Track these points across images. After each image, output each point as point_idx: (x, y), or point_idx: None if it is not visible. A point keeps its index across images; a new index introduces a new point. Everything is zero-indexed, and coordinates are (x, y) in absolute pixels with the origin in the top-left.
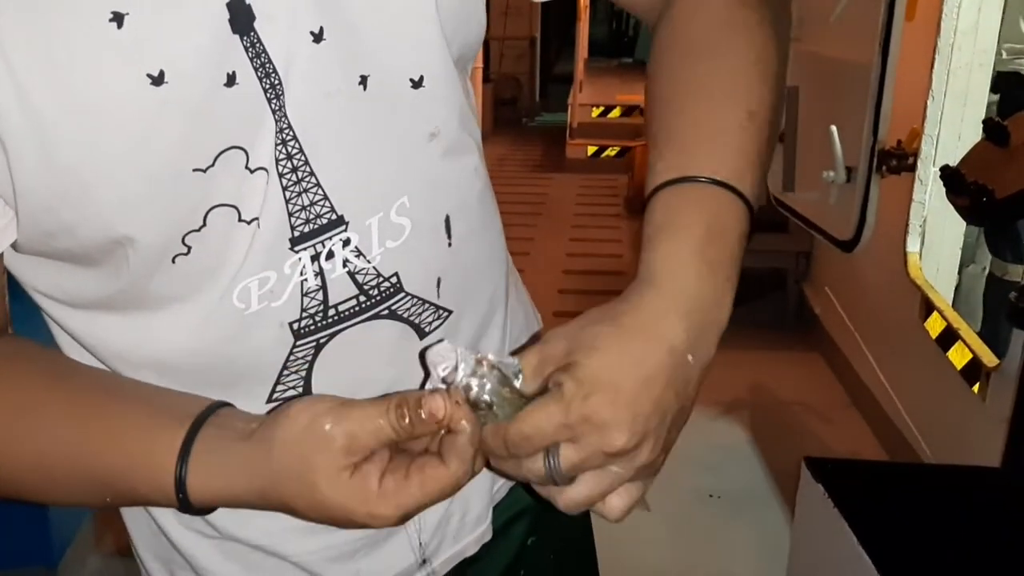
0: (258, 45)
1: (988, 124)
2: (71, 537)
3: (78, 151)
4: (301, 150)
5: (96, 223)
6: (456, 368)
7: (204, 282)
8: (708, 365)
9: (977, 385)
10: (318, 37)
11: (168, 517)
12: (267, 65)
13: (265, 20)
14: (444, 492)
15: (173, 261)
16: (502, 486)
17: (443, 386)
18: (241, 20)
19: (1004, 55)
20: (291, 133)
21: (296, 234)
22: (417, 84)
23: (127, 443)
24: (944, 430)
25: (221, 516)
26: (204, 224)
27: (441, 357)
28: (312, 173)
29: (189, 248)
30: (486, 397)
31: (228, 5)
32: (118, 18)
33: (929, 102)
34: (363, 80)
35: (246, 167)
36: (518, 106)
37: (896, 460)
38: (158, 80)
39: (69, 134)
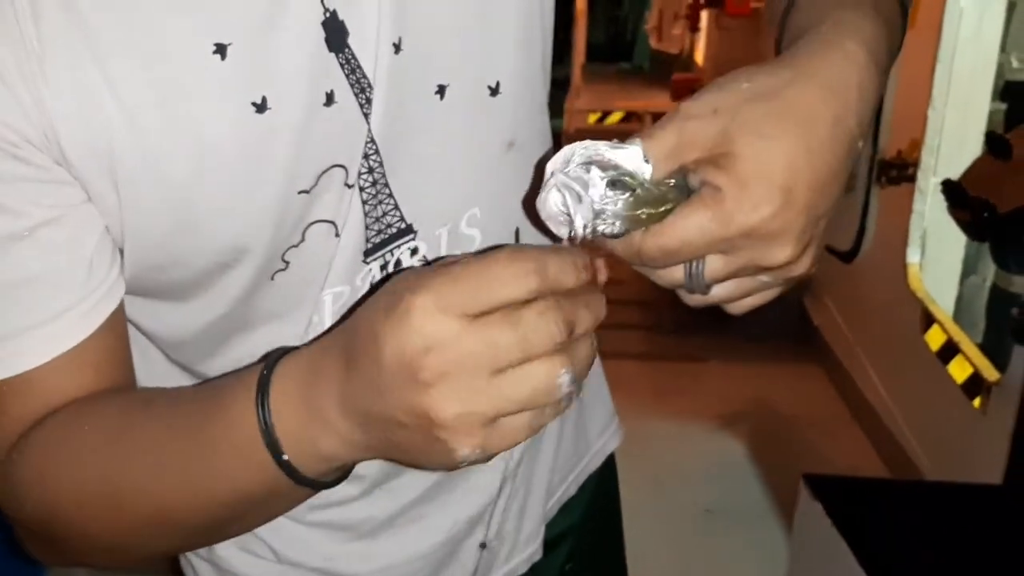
0: (352, 61)
1: (990, 137)
2: None
3: (192, 185)
4: (381, 163)
5: (208, 252)
6: (573, 221)
7: (297, 297)
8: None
9: (978, 399)
10: (397, 48)
11: (226, 547)
12: (362, 80)
13: (357, 35)
14: (520, 268)
15: (272, 278)
16: (554, 504)
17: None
18: (336, 37)
19: (1015, 63)
20: (374, 146)
21: (369, 245)
22: (495, 91)
23: (211, 418)
24: (945, 444)
25: (281, 540)
26: (303, 239)
27: (554, 214)
28: (387, 184)
29: (288, 264)
30: (618, 230)
31: (324, 24)
32: (221, 50)
33: (930, 111)
34: (440, 90)
35: (345, 184)
36: None
37: (896, 474)
38: (261, 107)
39: (183, 170)
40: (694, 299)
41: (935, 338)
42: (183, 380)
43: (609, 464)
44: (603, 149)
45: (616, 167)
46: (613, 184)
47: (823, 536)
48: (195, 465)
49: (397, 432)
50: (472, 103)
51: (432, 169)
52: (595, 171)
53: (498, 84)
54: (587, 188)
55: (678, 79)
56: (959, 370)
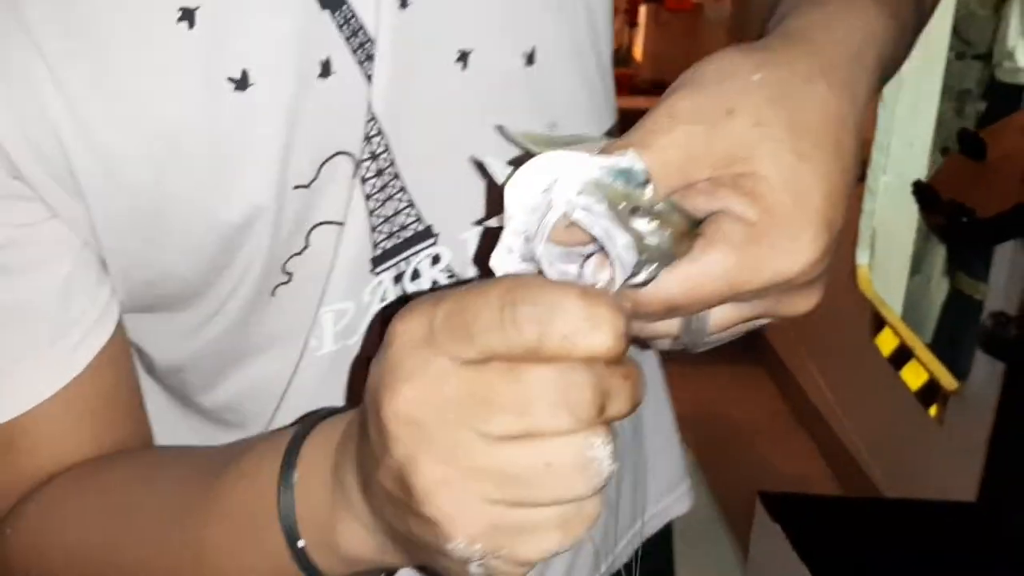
0: (353, 21)
1: (963, 136)
2: None
3: (162, 187)
4: (387, 147)
5: (196, 262)
6: (614, 275)
7: (303, 316)
8: None
9: (934, 408)
10: (404, 1)
11: None
12: (366, 44)
13: None
14: (510, 301)
15: (273, 293)
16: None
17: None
18: None
19: (1005, 65)
20: (375, 126)
21: (378, 252)
22: (530, 59)
23: (231, 509)
24: (898, 455)
25: None
26: (307, 245)
27: (533, 257)
28: (397, 175)
29: (290, 275)
30: (653, 275)
31: None
32: (188, 15)
33: (880, 109)
34: (463, 56)
35: (354, 175)
36: None
37: (847, 485)
38: (242, 83)
39: (147, 169)
40: (665, 344)
41: (886, 342)
42: (181, 415)
43: (666, 535)
44: (593, 169)
45: (616, 192)
46: (634, 211)
47: (782, 559)
48: (205, 543)
49: (391, 511)
50: (503, 73)
51: (454, 156)
52: (601, 200)
53: (534, 50)
54: (617, 226)
55: (616, 75)
56: (913, 376)
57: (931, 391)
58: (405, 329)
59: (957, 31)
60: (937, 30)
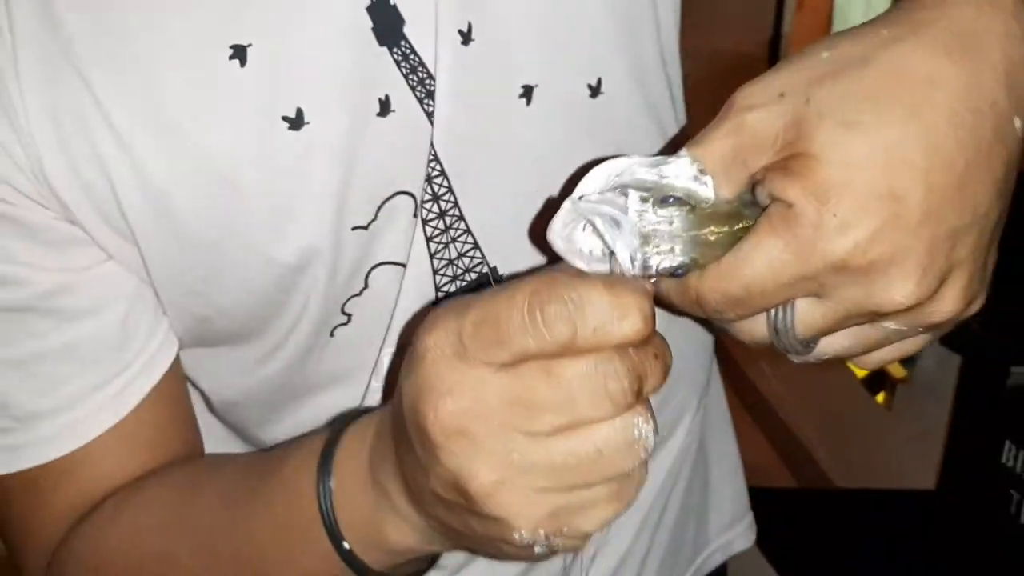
0: (412, 57)
1: None
2: None
3: (215, 227)
4: (449, 187)
5: (251, 302)
6: (614, 253)
7: (362, 357)
8: None
9: (882, 395)
10: (466, 37)
11: None
12: (426, 81)
13: (415, 23)
14: (542, 303)
15: (332, 334)
16: None
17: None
18: (388, 26)
19: None
20: (438, 166)
21: (441, 294)
22: (596, 90)
23: (276, 519)
24: (846, 441)
25: None
26: (366, 286)
27: (580, 248)
28: (461, 217)
29: (349, 317)
30: (679, 261)
31: (370, 9)
32: (240, 53)
33: None
34: (527, 92)
35: (415, 215)
36: None
37: (796, 471)
38: (296, 122)
39: (200, 209)
40: (800, 358)
41: None
42: (240, 449)
43: (722, 572)
44: (641, 170)
45: (662, 188)
46: (664, 201)
47: (740, 553)
48: (255, 551)
49: (444, 512)
50: (568, 107)
51: (520, 195)
52: (634, 194)
53: (599, 82)
54: (625, 210)
55: None
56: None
57: (879, 379)
58: (435, 343)
59: None
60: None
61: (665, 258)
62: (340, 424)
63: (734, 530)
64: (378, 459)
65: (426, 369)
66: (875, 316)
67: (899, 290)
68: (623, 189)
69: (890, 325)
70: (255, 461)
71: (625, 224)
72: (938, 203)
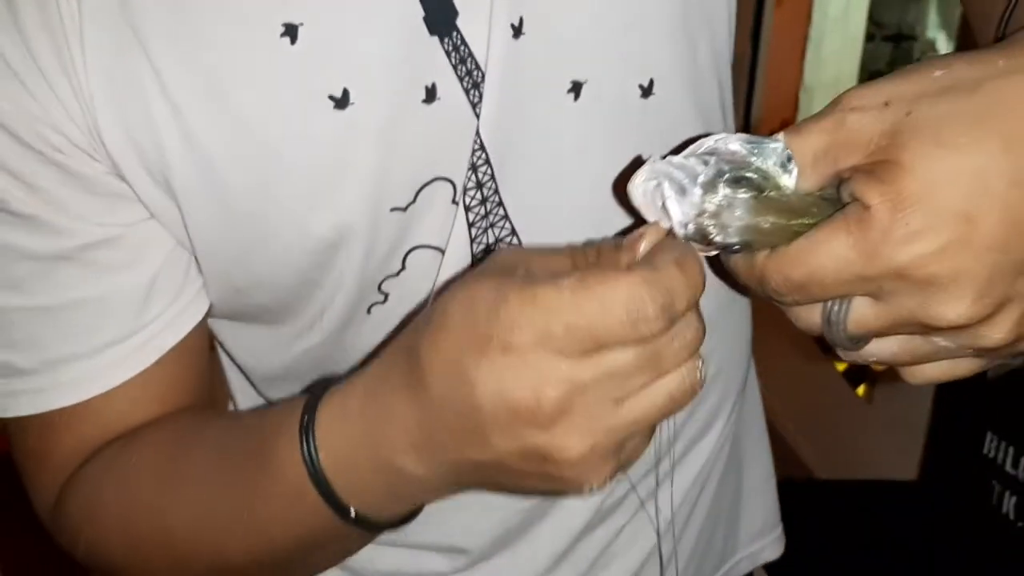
0: (462, 48)
1: None
2: None
3: (258, 197)
4: (492, 175)
5: (287, 274)
6: (669, 215)
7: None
8: None
9: (862, 388)
10: (517, 31)
11: None
12: (474, 73)
13: (468, 14)
14: (609, 310)
15: (368, 311)
16: None
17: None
18: (440, 17)
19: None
20: (483, 155)
21: None
22: (647, 91)
23: (259, 462)
24: (828, 433)
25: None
26: (403, 267)
27: (646, 203)
28: (501, 203)
29: (386, 296)
30: (732, 239)
31: (423, 1)
32: (291, 31)
33: (801, 93)
34: (575, 88)
35: (453, 201)
36: None
37: (777, 464)
38: (342, 102)
39: (245, 178)
40: (848, 355)
41: None
42: None
43: None
44: (735, 142)
45: (746, 165)
46: (736, 181)
47: None
48: (247, 507)
49: (506, 476)
50: (617, 106)
51: (561, 187)
52: (715, 163)
53: (651, 83)
54: (695, 179)
55: None
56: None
57: (859, 371)
58: (520, 339)
59: (871, 15)
60: (855, 10)
61: (719, 234)
62: (314, 399)
63: (764, 539)
64: (374, 428)
65: (517, 364)
66: (927, 328)
67: (953, 308)
68: (708, 157)
69: (940, 341)
70: (245, 429)
71: (689, 192)
72: (1010, 234)
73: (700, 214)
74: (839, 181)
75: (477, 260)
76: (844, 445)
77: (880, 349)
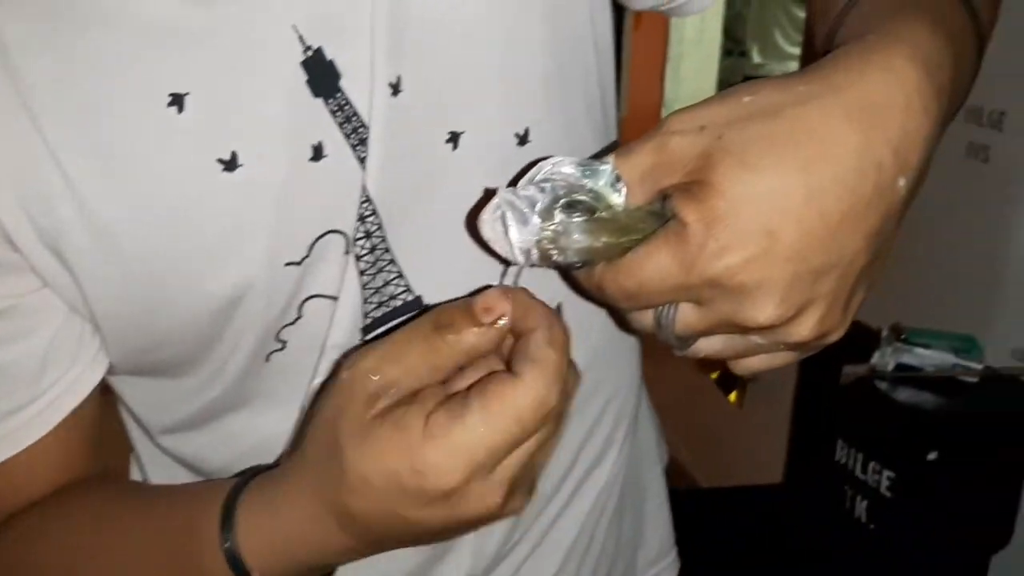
0: (347, 107)
1: None
2: None
3: (156, 262)
4: (380, 225)
5: (188, 332)
6: (514, 232)
7: (296, 382)
8: (914, 190)
9: (734, 394)
10: (395, 89)
11: None
12: (360, 131)
13: (350, 76)
14: (522, 420)
15: (267, 359)
16: None
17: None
18: (323, 80)
19: (756, 59)
20: (370, 206)
21: (368, 320)
22: (523, 139)
23: (174, 545)
24: (704, 438)
25: None
26: (300, 316)
27: (493, 237)
28: (388, 250)
29: (284, 343)
30: (571, 259)
31: (304, 64)
32: (178, 101)
33: (663, 112)
34: (453, 138)
35: (345, 252)
36: None
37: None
38: (231, 164)
39: (143, 245)
40: (680, 352)
41: None
42: (179, 472)
43: None
44: (568, 166)
45: (580, 188)
46: (570, 206)
47: None
48: None
49: (423, 537)
50: (495, 153)
51: (446, 232)
52: (550, 189)
53: (527, 131)
54: (534, 207)
55: None
56: (712, 364)
57: (731, 377)
58: (457, 470)
59: (728, 31)
60: (710, 32)
61: (560, 255)
62: (241, 483)
63: (660, 564)
64: (284, 512)
65: (457, 500)
66: (742, 329)
67: (761, 311)
68: (545, 184)
69: (755, 339)
70: (166, 509)
71: (529, 221)
72: (806, 245)
73: (539, 240)
74: (664, 196)
75: (367, 303)
76: (721, 451)
77: (707, 346)
